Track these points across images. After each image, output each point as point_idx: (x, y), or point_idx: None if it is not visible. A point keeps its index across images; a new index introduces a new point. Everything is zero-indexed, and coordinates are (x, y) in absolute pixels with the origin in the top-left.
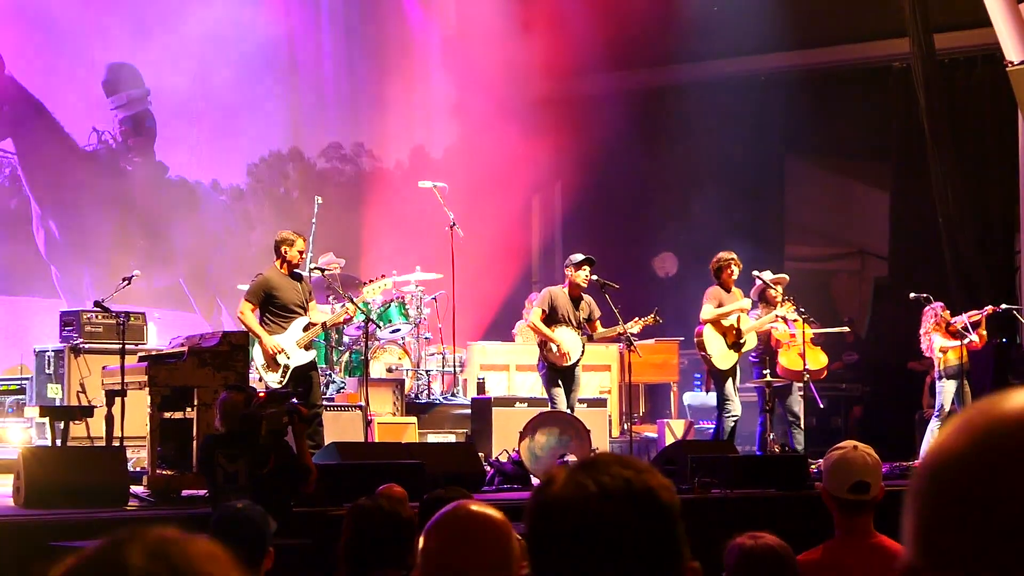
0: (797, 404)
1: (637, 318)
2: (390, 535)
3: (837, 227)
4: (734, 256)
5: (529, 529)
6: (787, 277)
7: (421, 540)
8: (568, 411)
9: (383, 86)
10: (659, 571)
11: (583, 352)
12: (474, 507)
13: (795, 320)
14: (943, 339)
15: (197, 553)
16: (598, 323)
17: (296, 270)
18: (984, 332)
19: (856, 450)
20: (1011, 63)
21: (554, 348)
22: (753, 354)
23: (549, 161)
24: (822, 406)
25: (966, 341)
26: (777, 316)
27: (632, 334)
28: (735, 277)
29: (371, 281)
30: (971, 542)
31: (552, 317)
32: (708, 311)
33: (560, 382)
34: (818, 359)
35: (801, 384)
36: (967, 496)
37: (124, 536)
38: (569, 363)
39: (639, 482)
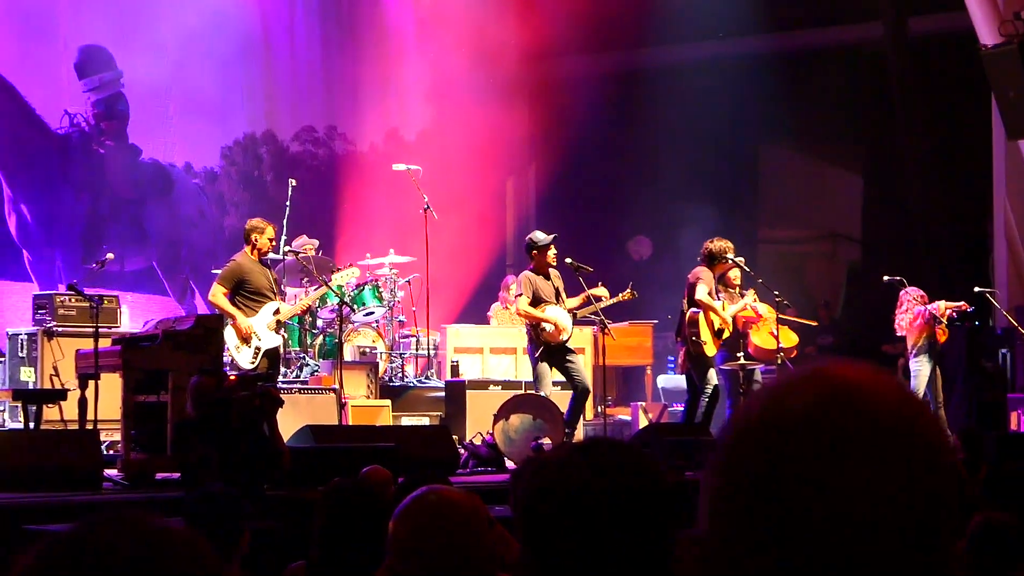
0: (757, 384)
1: (618, 294)
2: (365, 517)
3: (810, 210)
4: (731, 247)
5: (524, 512)
6: (742, 260)
7: (391, 526)
8: (555, 390)
9: (357, 69)
10: (652, 555)
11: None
12: (443, 493)
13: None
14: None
15: (180, 539)
16: (563, 295)
17: (265, 256)
18: (945, 328)
19: None
20: (985, 47)
21: (548, 328)
22: None
23: (524, 144)
24: None
25: (928, 312)
26: (747, 305)
27: (603, 299)
28: (728, 265)
29: (339, 269)
30: (751, 516)
31: (537, 300)
32: (703, 291)
33: (552, 363)
34: (789, 337)
35: (764, 364)
36: (749, 471)
37: (104, 519)
38: (566, 336)
39: (635, 468)
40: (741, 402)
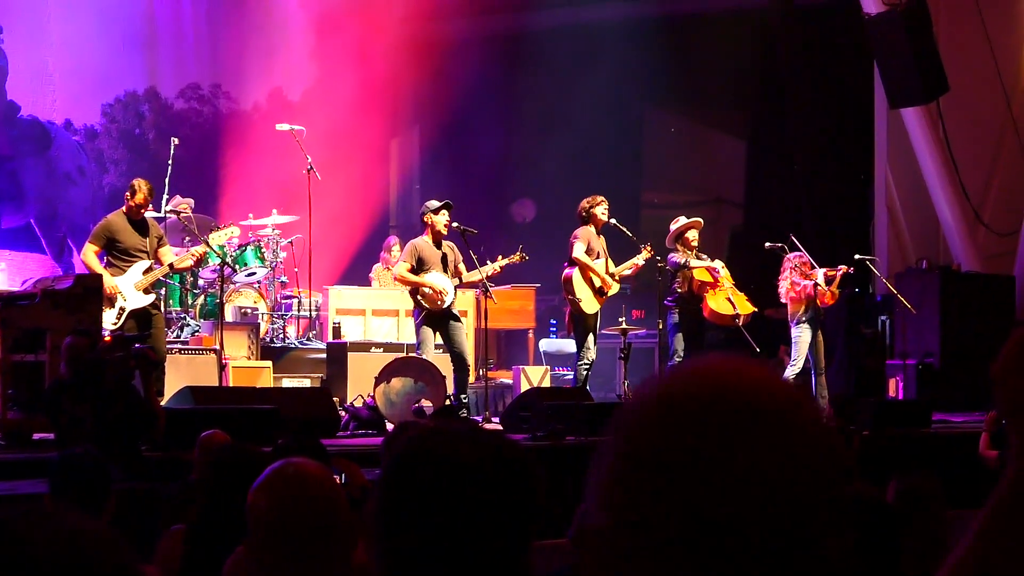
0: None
1: (501, 255)
2: (246, 480)
3: (694, 175)
4: (604, 200)
5: (383, 489)
6: (701, 221)
7: (249, 499)
8: (448, 352)
9: (241, 27)
10: (516, 529)
11: (455, 294)
12: (301, 466)
13: (710, 267)
14: (800, 279)
15: (101, 539)
16: (461, 268)
17: (143, 215)
18: (836, 291)
19: None
20: (868, 15)
21: (427, 291)
22: (669, 298)
23: (407, 106)
24: (757, 350)
25: (812, 283)
26: (643, 262)
27: (496, 271)
28: (605, 219)
29: (219, 228)
30: (644, 501)
31: (420, 269)
32: (579, 250)
33: (435, 329)
34: (745, 304)
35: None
36: (641, 455)
37: (20, 517)
38: (446, 303)
39: (495, 444)
40: (637, 389)
